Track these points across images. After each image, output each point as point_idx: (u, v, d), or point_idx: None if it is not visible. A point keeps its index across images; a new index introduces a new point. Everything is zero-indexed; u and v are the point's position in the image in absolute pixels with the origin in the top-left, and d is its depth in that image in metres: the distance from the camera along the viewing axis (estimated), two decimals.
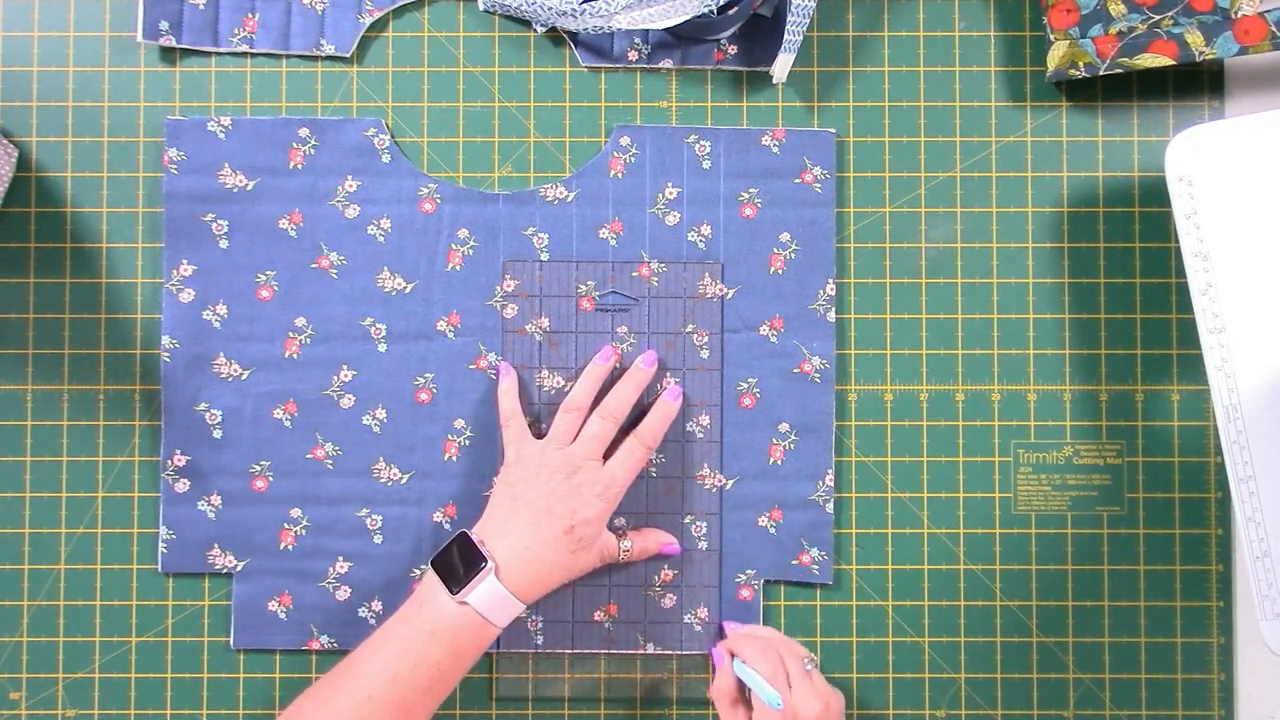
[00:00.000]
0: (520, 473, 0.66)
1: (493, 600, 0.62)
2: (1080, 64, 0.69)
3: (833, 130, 0.71)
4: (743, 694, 0.66)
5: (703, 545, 0.71)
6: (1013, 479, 0.72)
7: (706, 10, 0.68)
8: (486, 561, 0.62)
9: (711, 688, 0.67)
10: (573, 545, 0.64)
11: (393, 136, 0.71)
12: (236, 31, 0.71)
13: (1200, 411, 0.72)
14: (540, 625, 0.71)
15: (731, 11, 0.68)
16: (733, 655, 0.67)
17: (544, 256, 0.71)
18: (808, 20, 0.68)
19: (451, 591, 0.62)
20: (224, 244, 0.70)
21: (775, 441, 0.71)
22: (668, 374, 0.70)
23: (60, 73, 0.71)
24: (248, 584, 0.70)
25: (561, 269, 0.70)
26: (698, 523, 0.71)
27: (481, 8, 0.71)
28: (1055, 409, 0.72)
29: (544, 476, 0.65)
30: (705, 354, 0.70)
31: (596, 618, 0.71)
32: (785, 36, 0.68)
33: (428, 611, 0.62)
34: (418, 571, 0.70)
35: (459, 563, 0.63)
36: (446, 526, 0.70)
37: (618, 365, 0.70)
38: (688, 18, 0.68)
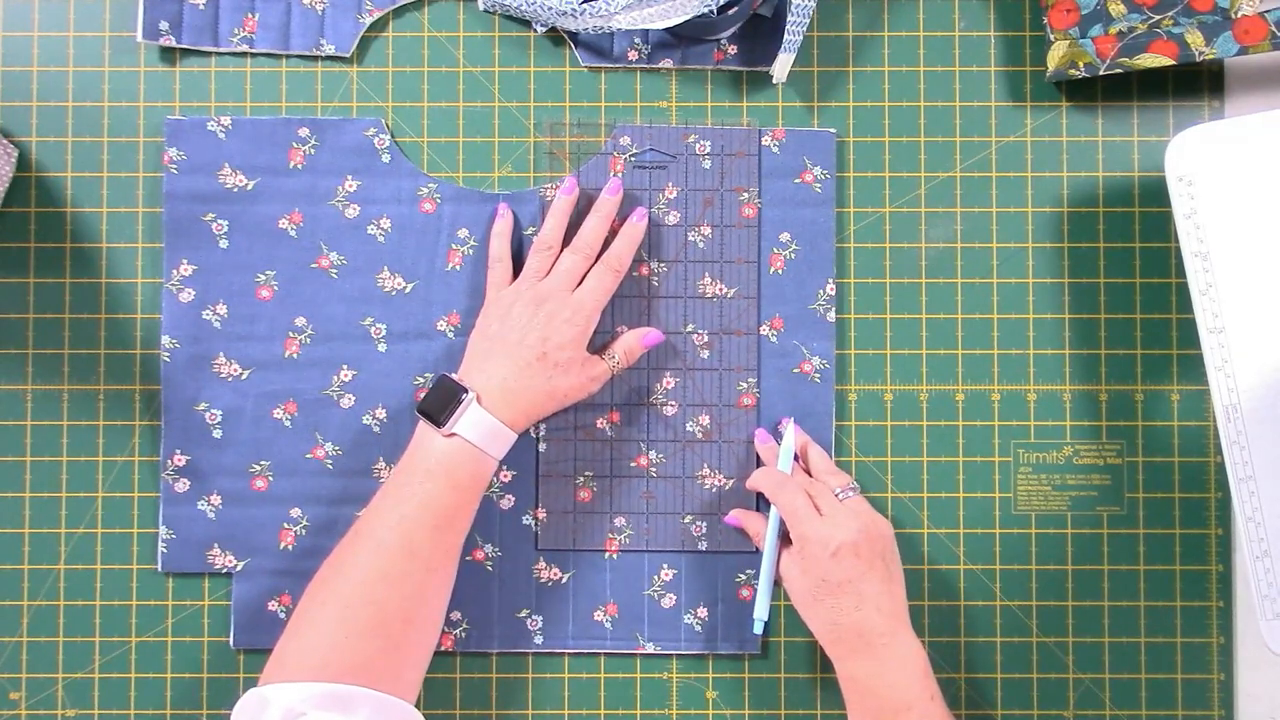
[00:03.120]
0: (495, 313, 0.67)
1: (481, 429, 0.63)
2: (1080, 64, 0.69)
3: (833, 130, 0.71)
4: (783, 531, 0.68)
5: (703, 545, 0.71)
6: (1013, 479, 0.72)
7: (706, 10, 0.68)
8: (468, 392, 0.63)
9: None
10: (548, 370, 0.65)
11: (393, 136, 0.71)
12: (236, 31, 0.71)
13: (1200, 411, 0.72)
14: (540, 625, 0.71)
15: (731, 11, 0.68)
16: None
17: None
18: (808, 20, 0.68)
19: (438, 427, 0.63)
20: (224, 244, 0.70)
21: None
22: (705, 225, 0.70)
23: (60, 73, 0.71)
24: (248, 584, 0.70)
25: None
26: (698, 523, 0.71)
27: (481, 8, 0.71)
28: (1055, 409, 0.72)
29: (516, 312, 0.66)
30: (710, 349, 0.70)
31: (596, 618, 0.71)
32: (785, 36, 0.68)
33: (421, 453, 0.64)
34: None
35: (442, 402, 0.63)
36: None
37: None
38: (688, 18, 0.68)
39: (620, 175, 0.70)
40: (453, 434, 0.63)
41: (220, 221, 0.71)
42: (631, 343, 0.69)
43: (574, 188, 0.69)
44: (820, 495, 0.66)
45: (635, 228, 0.69)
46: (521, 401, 0.64)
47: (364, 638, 0.59)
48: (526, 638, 0.71)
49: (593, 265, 0.68)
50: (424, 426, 0.64)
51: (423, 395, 0.65)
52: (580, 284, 0.67)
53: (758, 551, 0.70)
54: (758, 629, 0.68)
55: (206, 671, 0.71)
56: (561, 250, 0.68)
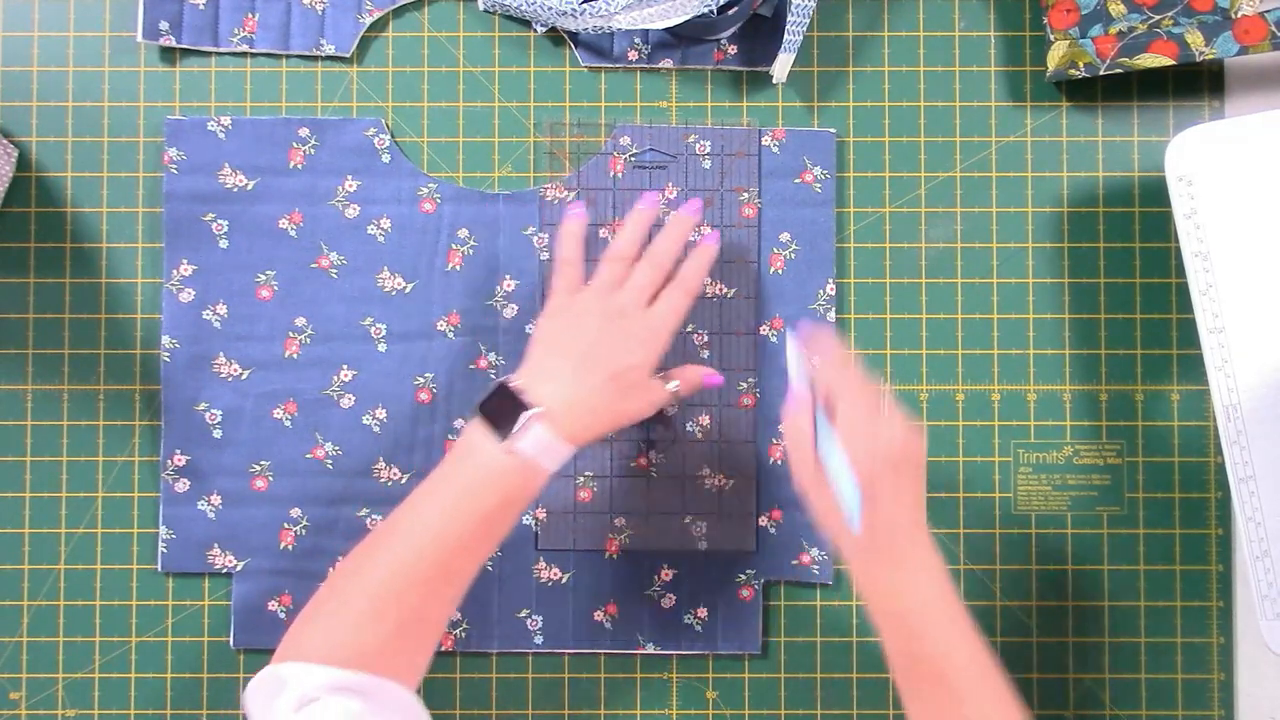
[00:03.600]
0: (563, 321, 0.64)
1: (543, 447, 0.60)
2: (1080, 64, 0.69)
3: (833, 130, 0.71)
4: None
5: (703, 545, 0.71)
6: (1013, 479, 0.72)
7: (706, 10, 0.68)
8: (535, 408, 0.60)
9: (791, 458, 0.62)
10: (619, 391, 0.62)
11: (393, 136, 0.71)
12: (236, 31, 0.71)
13: (1200, 411, 0.72)
14: (540, 625, 0.71)
15: (731, 11, 0.68)
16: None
17: (544, 256, 0.71)
18: (808, 20, 0.68)
19: (501, 439, 0.59)
20: (224, 244, 0.71)
21: (775, 441, 0.71)
22: (705, 225, 0.70)
23: (60, 73, 0.71)
24: (248, 584, 0.70)
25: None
26: (698, 523, 0.71)
27: (481, 8, 0.71)
28: (1055, 409, 0.72)
29: (587, 324, 0.62)
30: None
31: (596, 618, 0.71)
32: (785, 36, 0.68)
33: (472, 462, 0.60)
34: None
35: (504, 412, 0.60)
36: None
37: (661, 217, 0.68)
38: (688, 18, 0.68)
39: (635, 178, 0.70)
40: (512, 451, 0.60)
41: (220, 221, 0.71)
42: (694, 377, 0.66)
43: (655, 200, 0.67)
44: (865, 401, 0.60)
45: (709, 249, 0.67)
46: (588, 419, 0.61)
47: (387, 635, 0.57)
48: (526, 638, 0.71)
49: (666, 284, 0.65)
50: (480, 433, 0.60)
51: (484, 399, 0.61)
52: (653, 301, 0.64)
53: (758, 551, 0.70)
54: (856, 526, 0.59)
55: (206, 671, 0.71)
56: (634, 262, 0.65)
